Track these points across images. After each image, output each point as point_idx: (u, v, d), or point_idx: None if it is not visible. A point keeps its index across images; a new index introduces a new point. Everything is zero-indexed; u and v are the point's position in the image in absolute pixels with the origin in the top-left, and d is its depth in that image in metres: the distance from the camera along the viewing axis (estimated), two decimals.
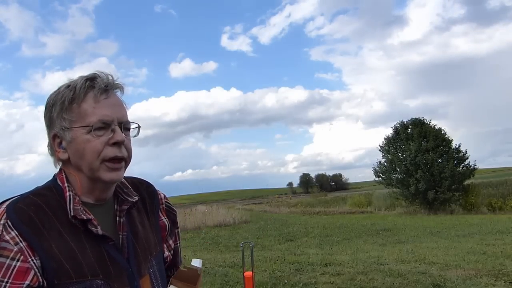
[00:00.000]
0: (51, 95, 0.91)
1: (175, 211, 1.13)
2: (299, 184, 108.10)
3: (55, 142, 0.90)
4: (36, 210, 0.83)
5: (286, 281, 5.79)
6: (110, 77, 0.91)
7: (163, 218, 1.08)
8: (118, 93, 0.93)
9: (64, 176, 0.91)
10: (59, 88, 0.90)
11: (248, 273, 4.19)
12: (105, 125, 0.87)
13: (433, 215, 19.11)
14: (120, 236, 0.93)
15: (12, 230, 0.79)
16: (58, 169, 0.94)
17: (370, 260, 7.17)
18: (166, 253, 1.08)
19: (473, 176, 21.35)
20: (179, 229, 1.15)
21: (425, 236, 11.21)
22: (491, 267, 6.11)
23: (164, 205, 1.09)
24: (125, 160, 0.91)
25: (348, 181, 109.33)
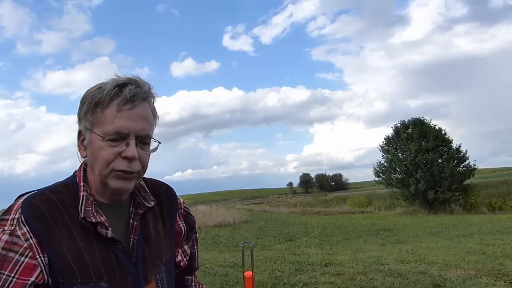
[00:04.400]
0: (85, 92, 0.90)
1: (194, 217, 1.13)
2: (299, 184, 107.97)
3: (80, 138, 0.91)
4: (50, 207, 0.84)
5: (286, 281, 5.79)
6: (143, 87, 0.89)
7: (180, 223, 1.07)
8: (147, 104, 0.90)
9: (81, 174, 0.92)
10: (93, 87, 0.89)
11: (248, 273, 4.19)
12: (120, 137, 0.85)
13: (433, 215, 19.12)
14: (131, 239, 0.92)
15: (24, 226, 0.80)
16: (78, 166, 0.95)
17: (370, 260, 7.17)
18: (179, 257, 1.08)
19: (473, 176, 21.37)
20: (197, 235, 1.15)
21: (425, 236, 11.21)
22: (491, 267, 6.11)
23: (182, 210, 1.09)
24: (138, 172, 0.90)
25: (348, 181, 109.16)
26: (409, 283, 5.41)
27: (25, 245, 0.79)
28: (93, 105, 0.86)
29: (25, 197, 0.85)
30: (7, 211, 0.84)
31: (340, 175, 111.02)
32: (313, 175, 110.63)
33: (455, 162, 20.60)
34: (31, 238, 0.80)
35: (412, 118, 22.23)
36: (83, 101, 0.89)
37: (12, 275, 0.77)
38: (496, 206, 19.64)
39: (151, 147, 0.92)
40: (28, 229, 0.80)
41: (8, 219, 0.81)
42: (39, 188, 0.90)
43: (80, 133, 0.91)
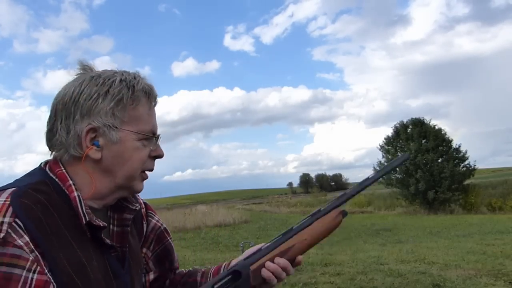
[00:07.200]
0: (90, 84, 0.75)
1: (153, 210, 1.00)
2: (299, 184, 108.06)
3: (88, 136, 0.74)
4: (43, 210, 0.68)
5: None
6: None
7: (144, 223, 0.96)
8: None
9: (65, 172, 0.75)
10: (106, 78, 0.76)
11: None
12: (152, 137, 0.80)
13: (433, 215, 19.13)
14: (120, 247, 0.82)
15: (25, 234, 0.63)
16: (45, 161, 0.79)
17: (370, 260, 7.17)
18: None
19: (473, 176, 21.39)
20: (164, 225, 1.01)
21: (425, 236, 11.22)
22: (491, 267, 6.12)
23: (144, 210, 0.98)
24: None
25: (348, 181, 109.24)
26: (409, 283, 5.41)
27: (31, 258, 0.62)
28: (125, 100, 0.76)
29: (7, 193, 0.67)
30: None
31: (340, 175, 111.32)
32: (313, 175, 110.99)
33: (455, 162, 20.62)
34: (35, 250, 0.63)
35: (412, 118, 22.29)
36: (97, 93, 0.74)
37: None
38: (496, 206, 19.65)
39: None
40: (29, 238, 0.63)
41: None
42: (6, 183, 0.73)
43: (92, 130, 0.74)
